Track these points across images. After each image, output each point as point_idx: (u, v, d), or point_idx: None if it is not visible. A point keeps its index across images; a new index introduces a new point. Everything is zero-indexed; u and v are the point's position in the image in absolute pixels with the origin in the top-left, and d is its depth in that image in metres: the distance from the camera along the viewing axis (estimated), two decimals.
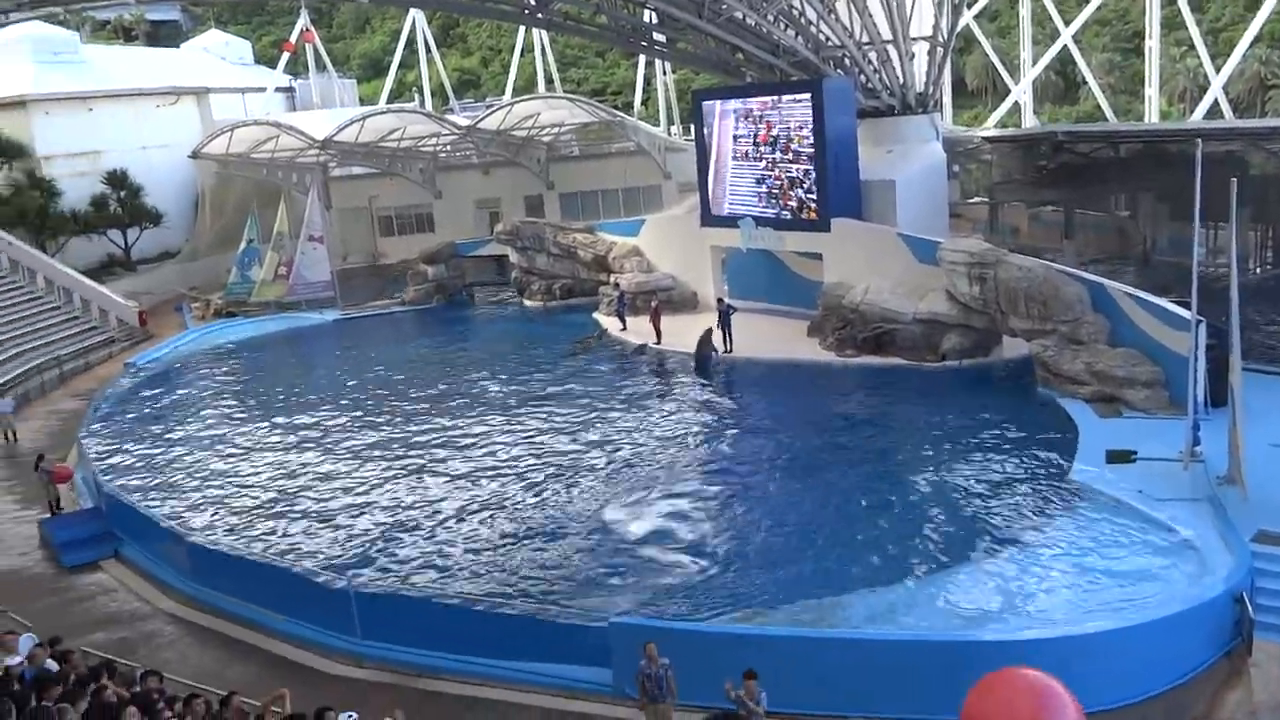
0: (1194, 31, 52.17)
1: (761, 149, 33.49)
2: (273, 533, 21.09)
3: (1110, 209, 36.23)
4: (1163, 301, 22.95)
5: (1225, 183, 17.40)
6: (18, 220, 47.50)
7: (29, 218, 48.00)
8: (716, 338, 30.99)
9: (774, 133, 32.90)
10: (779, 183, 33.14)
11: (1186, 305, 20.32)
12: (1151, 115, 50.19)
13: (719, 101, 35.03)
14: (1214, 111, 49.87)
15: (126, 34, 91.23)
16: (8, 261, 43.83)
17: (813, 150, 31.85)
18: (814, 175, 32.00)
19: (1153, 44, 48.95)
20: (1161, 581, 15.40)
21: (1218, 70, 50.44)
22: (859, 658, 13.49)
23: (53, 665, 11.71)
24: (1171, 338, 21.99)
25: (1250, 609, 13.96)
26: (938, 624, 15.00)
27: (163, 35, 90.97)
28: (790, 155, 32.56)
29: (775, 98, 32.92)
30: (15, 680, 10.70)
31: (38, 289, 43.26)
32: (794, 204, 32.78)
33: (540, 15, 35.63)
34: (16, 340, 38.62)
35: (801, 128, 31.98)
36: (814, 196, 32.16)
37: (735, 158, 34.51)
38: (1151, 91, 49.75)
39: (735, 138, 34.29)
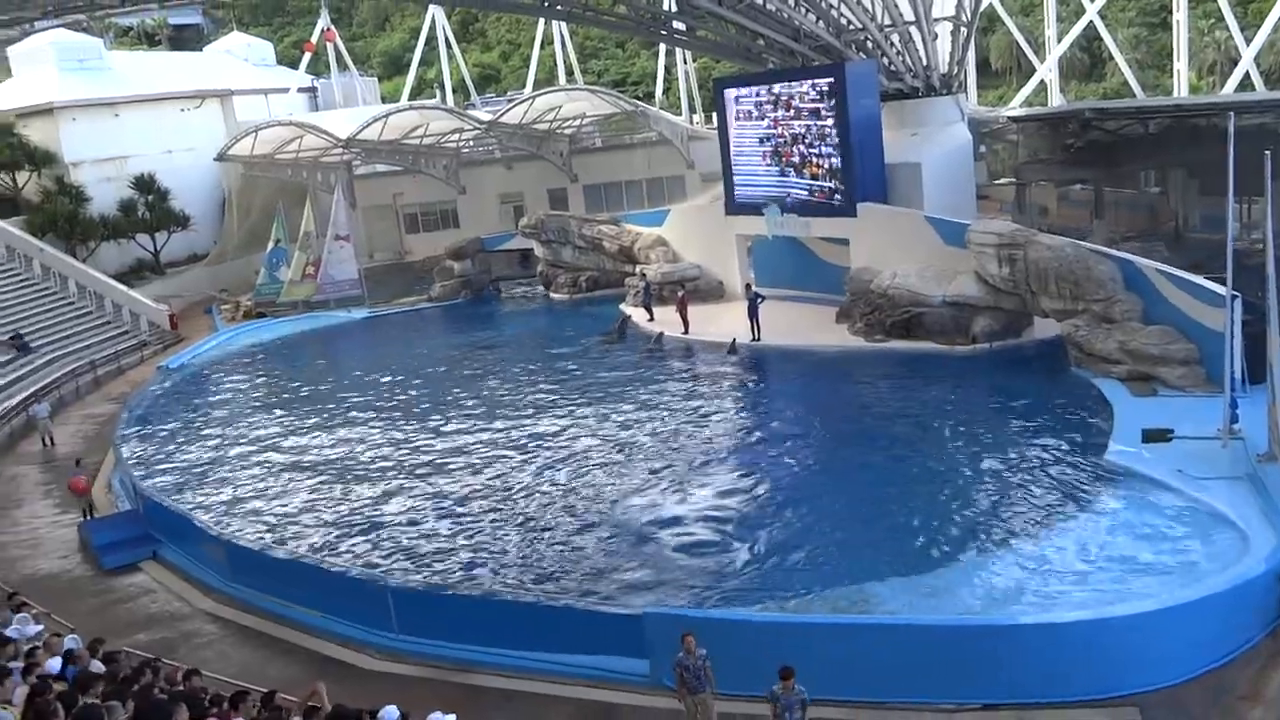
0: (1222, 2, 51.38)
1: (785, 133, 33.34)
2: (309, 530, 21.22)
3: (1140, 186, 35.76)
4: (1196, 278, 22.65)
5: (1258, 156, 17.13)
6: (48, 227, 48.05)
7: (59, 224, 48.52)
8: (742, 329, 31.05)
9: (798, 117, 32.72)
10: (799, 157, 33.01)
11: (1221, 281, 20.07)
12: (1180, 89, 49.56)
13: (741, 88, 34.88)
14: (1245, 84, 49.17)
15: (150, 39, 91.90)
16: (40, 268, 44.38)
17: (836, 133, 31.64)
18: (837, 155, 31.77)
19: (1180, 17, 48.32)
20: (1203, 560, 15.23)
21: (1248, 42, 49.68)
22: (899, 644, 13.40)
23: (99, 666, 11.84)
24: (1206, 314, 21.72)
25: None
26: (978, 608, 14.91)
27: (185, 39, 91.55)
28: (812, 137, 32.39)
29: (798, 83, 32.74)
30: (62, 679, 10.82)
31: (70, 294, 43.76)
32: (817, 174, 32.54)
33: (559, 7, 35.63)
34: (51, 346, 39.09)
35: (825, 112, 31.79)
36: (834, 163, 31.97)
37: (759, 143, 34.36)
38: (1180, 65, 49.12)
39: (757, 122, 34.13)
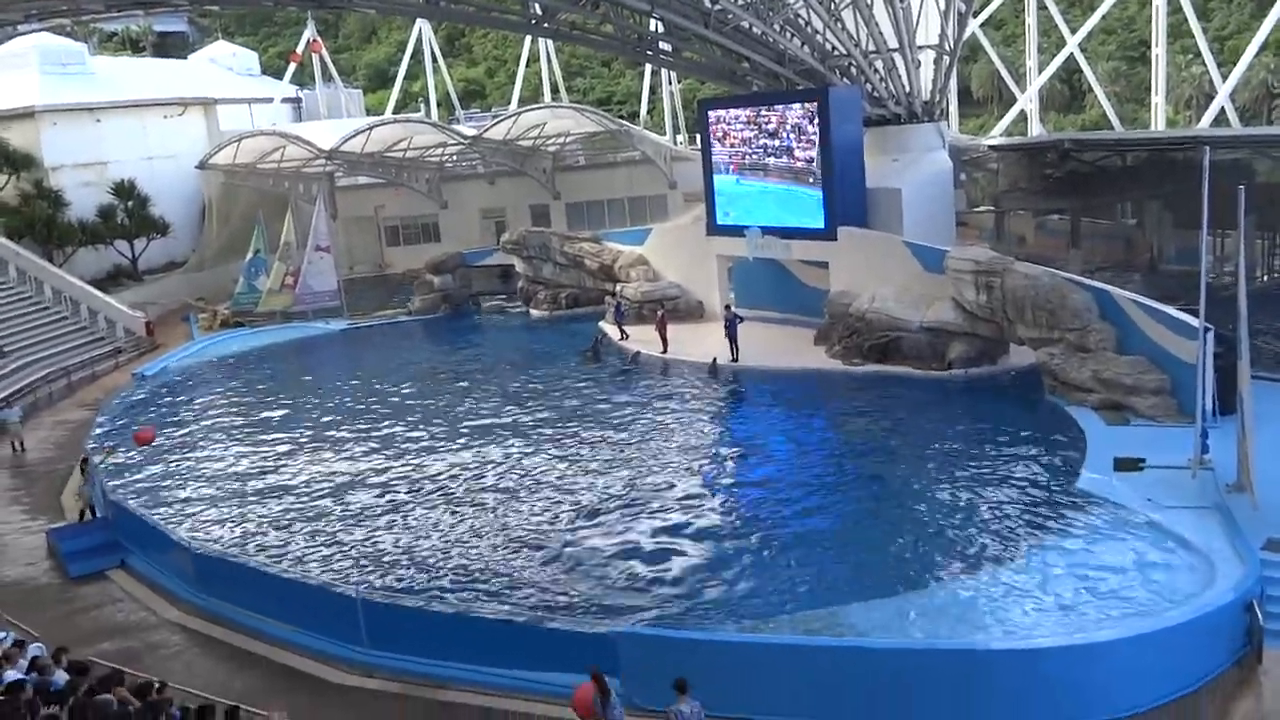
0: (1200, 39, 52.18)
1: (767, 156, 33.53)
2: (280, 542, 21.08)
3: (1117, 217, 36.14)
4: (1170, 309, 22.88)
5: (1232, 190, 17.33)
6: (25, 230, 47.71)
7: (36, 228, 48.19)
8: (721, 349, 31.13)
9: (780, 141, 32.93)
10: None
11: (1194, 313, 20.28)
12: (1158, 123, 50.22)
13: (725, 110, 35.07)
14: (1220, 119, 49.84)
15: (134, 45, 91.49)
16: (15, 272, 44.02)
17: (818, 155, 31.83)
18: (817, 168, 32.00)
19: (1159, 52, 48.99)
20: (1171, 589, 15.33)
21: (1224, 78, 50.39)
22: (868, 666, 13.43)
23: (61, 676, 11.72)
24: (1179, 345, 21.92)
25: (1260, 617, 13.91)
26: (947, 632, 14.95)
27: (170, 46, 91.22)
28: (793, 158, 32.63)
29: (782, 106, 32.94)
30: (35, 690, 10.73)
31: (45, 299, 43.44)
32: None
33: (546, 25, 35.68)
34: (24, 350, 38.77)
35: (807, 135, 32.02)
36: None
37: (742, 166, 34.54)
38: (1158, 99, 49.80)
39: (740, 142, 34.33)
